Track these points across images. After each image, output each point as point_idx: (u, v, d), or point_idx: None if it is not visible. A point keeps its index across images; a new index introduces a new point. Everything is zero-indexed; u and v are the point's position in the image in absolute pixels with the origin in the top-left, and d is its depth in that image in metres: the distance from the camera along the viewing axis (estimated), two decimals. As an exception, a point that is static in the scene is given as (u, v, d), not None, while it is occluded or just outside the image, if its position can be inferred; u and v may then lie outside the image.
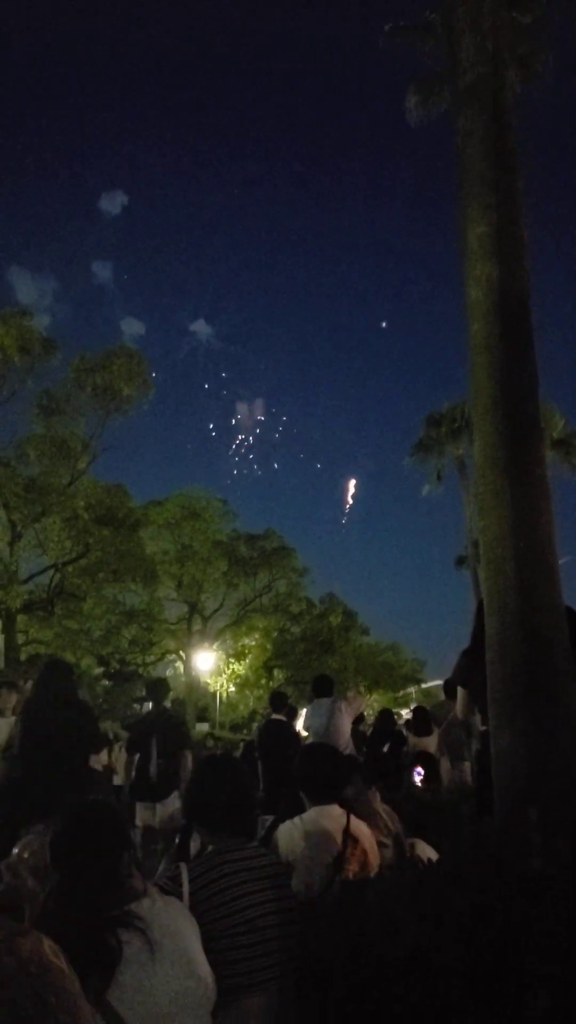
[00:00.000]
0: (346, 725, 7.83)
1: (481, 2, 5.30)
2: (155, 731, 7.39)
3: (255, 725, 17.48)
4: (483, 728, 5.03)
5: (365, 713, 19.31)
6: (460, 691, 5.19)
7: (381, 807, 4.46)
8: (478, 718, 8.49)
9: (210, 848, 2.63)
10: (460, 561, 33.48)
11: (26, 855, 2.63)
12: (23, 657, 25.86)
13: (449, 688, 9.91)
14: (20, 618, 24.47)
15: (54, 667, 5.92)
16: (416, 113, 10.75)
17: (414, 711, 11.70)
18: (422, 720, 9.83)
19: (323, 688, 8.32)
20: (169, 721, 7.73)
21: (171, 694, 33.47)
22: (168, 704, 8.92)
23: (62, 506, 23.79)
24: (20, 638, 25.12)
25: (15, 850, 2.65)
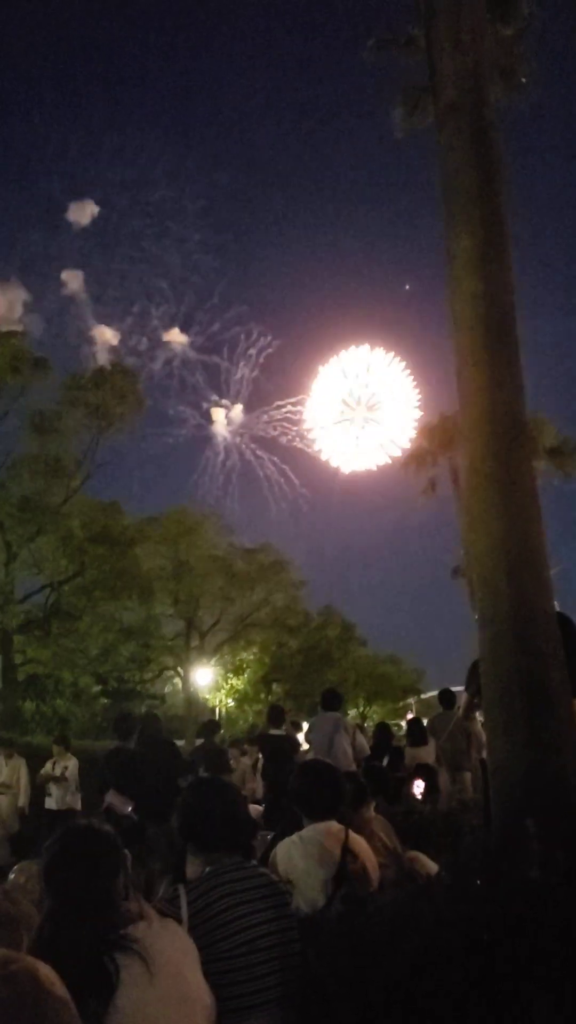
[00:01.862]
0: (347, 742, 7.80)
1: (460, 17, 5.33)
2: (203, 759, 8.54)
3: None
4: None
5: (364, 726, 19.25)
6: (464, 696, 5.21)
7: (377, 824, 4.45)
8: (480, 726, 8.48)
9: (207, 869, 2.62)
10: (455, 572, 33.48)
11: (23, 880, 2.63)
12: (20, 677, 25.79)
13: (445, 698, 9.91)
14: (17, 638, 24.42)
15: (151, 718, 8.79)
16: (402, 126, 10.82)
17: (408, 723, 11.69)
18: (417, 731, 9.82)
19: (331, 702, 8.30)
20: (213, 751, 9.09)
21: (178, 713, 33.49)
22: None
23: (57, 525, 23.77)
24: (18, 658, 25.06)
25: (11, 875, 2.65)
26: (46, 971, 1.45)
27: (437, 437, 29.80)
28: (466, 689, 6.23)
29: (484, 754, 7.55)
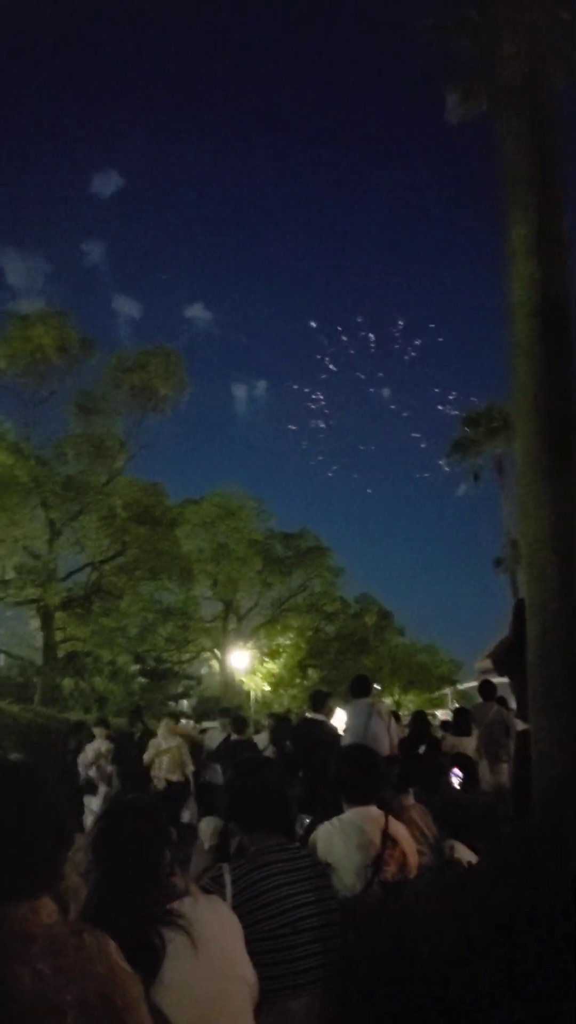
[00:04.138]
0: (382, 728, 7.78)
1: (522, 0, 5.25)
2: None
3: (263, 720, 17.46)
4: (520, 727, 5.00)
5: (400, 714, 19.20)
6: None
7: (416, 812, 4.45)
8: (514, 717, 8.41)
9: (251, 849, 2.64)
10: (498, 563, 33.23)
11: (70, 852, 2.67)
12: (60, 654, 26.17)
13: (485, 689, 9.84)
14: (58, 615, 24.74)
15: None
16: (456, 112, 10.67)
17: (455, 712, 11.59)
18: (462, 721, 9.75)
19: (361, 689, 8.28)
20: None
21: (214, 694, 33.69)
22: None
23: (100, 504, 24.00)
24: (58, 635, 25.41)
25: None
26: (115, 945, 1.48)
27: (483, 426, 29.49)
28: (497, 671, 6.18)
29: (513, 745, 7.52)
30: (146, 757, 10.57)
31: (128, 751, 11.33)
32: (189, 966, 1.94)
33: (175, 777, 10.42)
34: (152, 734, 11.30)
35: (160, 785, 10.32)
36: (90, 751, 10.89)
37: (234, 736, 10.96)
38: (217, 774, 10.60)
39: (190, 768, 10.60)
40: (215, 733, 12.12)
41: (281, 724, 11.76)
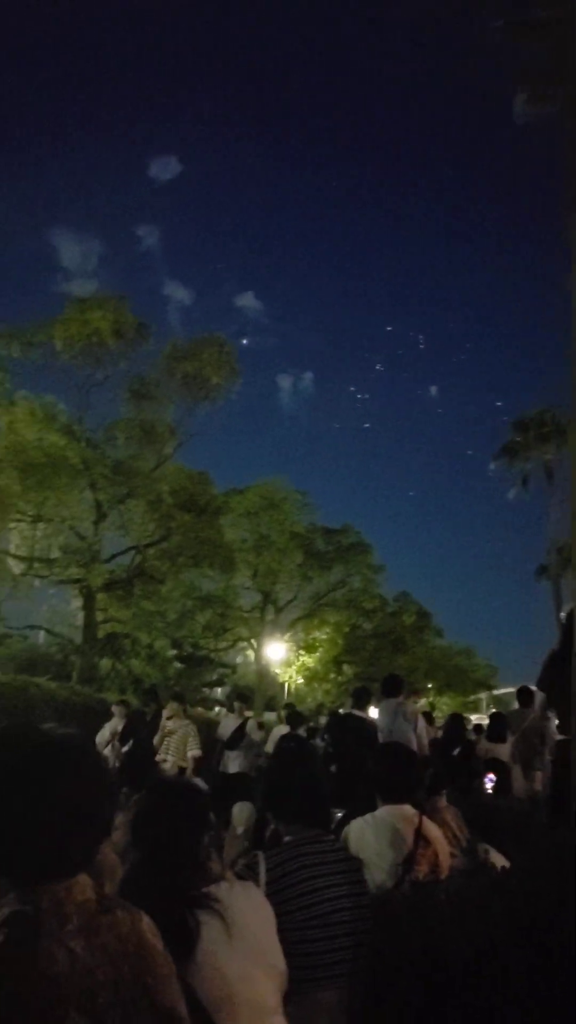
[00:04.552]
0: (408, 728, 7.73)
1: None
2: None
3: (321, 718, 17.32)
4: (559, 737, 4.95)
5: (434, 716, 19.07)
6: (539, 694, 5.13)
7: (449, 814, 4.44)
8: (554, 726, 8.32)
9: (287, 839, 2.66)
10: (541, 570, 32.82)
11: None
12: (100, 635, 26.49)
13: (523, 696, 9.75)
14: (100, 596, 25.01)
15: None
16: (523, 113, 10.54)
17: (491, 717, 11.48)
18: (498, 727, 9.67)
19: (391, 688, 8.26)
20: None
21: (248, 684, 33.83)
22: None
23: (147, 490, 24.19)
24: (99, 616, 25.69)
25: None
26: (148, 923, 1.49)
27: (533, 431, 29.09)
28: (538, 685, 6.08)
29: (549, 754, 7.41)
30: (156, 739, 9.99)
31: (139, 732, 10.71)
32: (222, 949, 1.96)
33: (183, 763, 9.78)
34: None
35: (170, 769, 9.75)
36: (107, 730, 10.83)
37: (289, 730, 10.75)
38: (230, 762, 10.41)
39: (192, 753, 9.83)
40: (230, 719, 11.51)
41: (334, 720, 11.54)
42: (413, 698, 11.20)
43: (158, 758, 9.61)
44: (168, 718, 10.09)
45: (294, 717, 11.44)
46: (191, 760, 9.69)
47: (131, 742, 10.31)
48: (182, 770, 9.57)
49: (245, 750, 10.52)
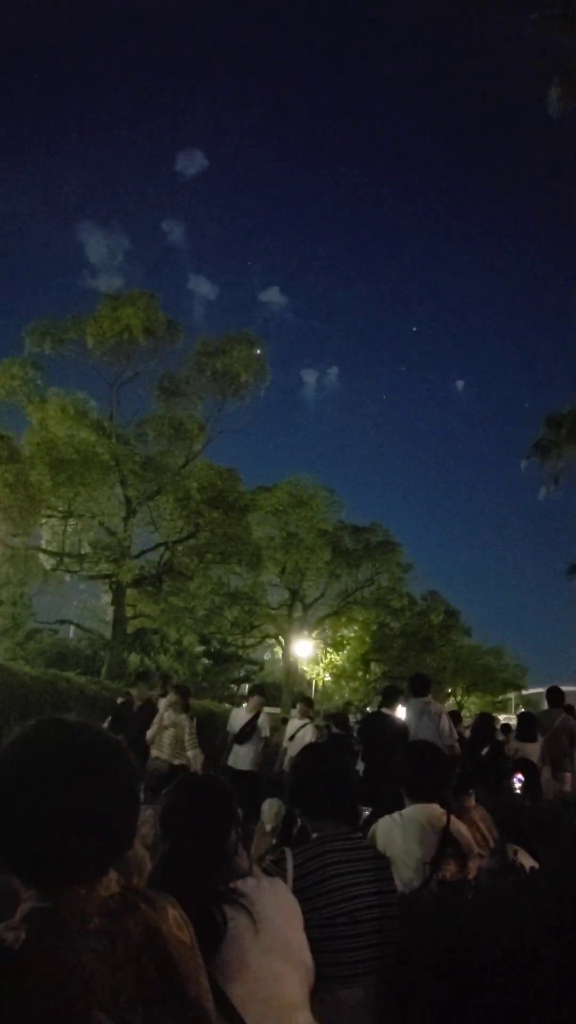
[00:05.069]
0: (431, 728, 7.67)
1: None
2: None
3: (350, 717, 17.24)
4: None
5: (462, 715, 18.96)
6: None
7: (477, 814, 4.41)
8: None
9: (314, 836, 2.65)
10: (572, 569, 32.41)
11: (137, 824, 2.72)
12: (129, 630, 26.67)
13: (553, 695, 9.66)
14: (129, 592, 25.16)
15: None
16: (557, 106, 10.46)
17: (520, 716, 11.36)
18: (528, 726, 9.58)
19: (418, 687, 8.23)
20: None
21: (275, 681, 33.88)
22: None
23: (176, 486, 24.30)
24: (128, 611, 25.87)
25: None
26: (176, 916, 1.48)
27: (566, 428, 28.70)
28: None
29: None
30: (149, 733, 9.27)
31: (128, 727, 10.04)
32: (249, 945, 1.96)
33: (178, 760, 9.12)
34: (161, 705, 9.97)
35: (161, 767, 9.08)
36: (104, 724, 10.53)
37: (335, 730, 10.71)
38: (240, 758, 10.19)
39: (191, 752, 9.19)
40: (240, 712, 10.89)
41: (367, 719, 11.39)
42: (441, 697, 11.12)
43: (152, 754, 9.14)
44: (166, 709, 9.43)
45: (340, 719, 11.32)
46: (192, 760, 9.12)
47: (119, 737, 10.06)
48: (174, 768, 8.96)
49: (255, 745, 10.37)
